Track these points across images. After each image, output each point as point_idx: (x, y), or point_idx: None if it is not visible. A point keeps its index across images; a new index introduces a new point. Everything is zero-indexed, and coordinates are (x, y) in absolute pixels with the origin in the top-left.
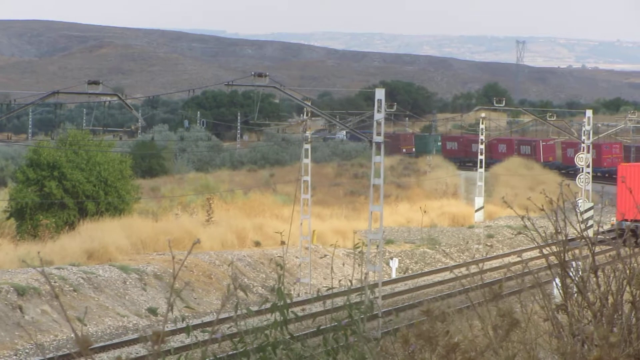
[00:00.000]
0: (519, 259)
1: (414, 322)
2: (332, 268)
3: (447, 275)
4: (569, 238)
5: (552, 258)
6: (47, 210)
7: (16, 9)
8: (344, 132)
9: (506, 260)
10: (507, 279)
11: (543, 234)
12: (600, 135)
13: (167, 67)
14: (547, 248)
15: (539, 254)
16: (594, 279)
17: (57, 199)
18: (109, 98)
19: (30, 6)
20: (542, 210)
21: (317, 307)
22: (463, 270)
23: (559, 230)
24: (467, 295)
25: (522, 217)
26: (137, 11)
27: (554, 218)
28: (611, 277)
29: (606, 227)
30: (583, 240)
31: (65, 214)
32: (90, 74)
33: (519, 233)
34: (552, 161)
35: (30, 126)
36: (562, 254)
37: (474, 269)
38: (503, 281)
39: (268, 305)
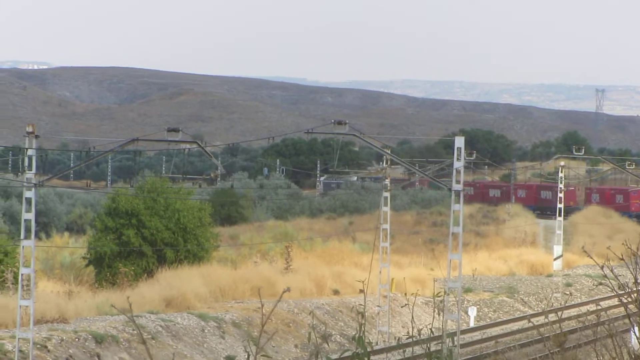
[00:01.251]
0: (596, 307)
1: None
2: (412, 316)
3: (524, 323)
4: None
5: (631, 307)
6: (126, 258)
7: (95, 56)
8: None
9: (584, 309)
10: (583, 328)
11: (622, 283)
12: None
13: (246, 115)
14: (626, 297)
15: (617, 303)
16: None
17: (135, 247)
18: (188, 145)
19: (110, 53)
20: (622, 259)
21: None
22: (541, 319)
23: (638, 280)
24: (545, 344)
25: (602, 267)
26: (217, 59)
27: (634, 267)
28: None
29: None
30: None
31: (144, 262)
32: (170, 121)
33: (600, 284)
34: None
35: (109, 173)
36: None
37: (552, 317)
38: (567, 332)
39: (349, 353)
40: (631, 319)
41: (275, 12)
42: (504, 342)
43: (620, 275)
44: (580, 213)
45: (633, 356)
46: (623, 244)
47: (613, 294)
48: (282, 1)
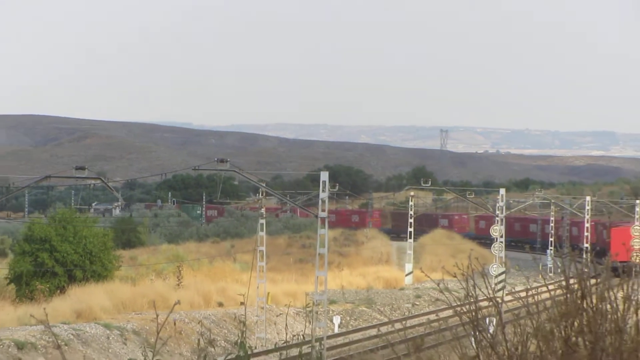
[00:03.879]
0: (436, 316)
1: None
2: (286, 324)
3: (382, 328)
4: (481, 299)
5: (464, 317)
6: (41, 277)
7: (12, 104)
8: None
9: (427, 317)
10: (427, 334)
11: (457, 296)
12: (512, 210)
13: (143, 155)
14: (461, 308)
15: (452, 314)
16: (502, 335)
17: (49, 267)
18: (93, 181)
19: (26, 102)
20: (454, 276)
21: (272, 358)
22: (389, 327)
23: (470, 294)
24: (393, 349)
25: (438, 283)
26: (118, 106)
27: (467, 283)
28: (518, 332)
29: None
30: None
31: (57, 280)
32: (77, 161)
33: (437, 299)
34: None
35: (26, 205)
36: (473, 313)
37: (398, 325)
38: (424, 336)
39: (232, 356)
40: (465, 327)
41: (164, 63)
42: (363, 345)
43: (462, 288)
44: (428, 236)
45: (469, 358)
46: (465, 259)
47: (449, 306)
48: (167, 55)
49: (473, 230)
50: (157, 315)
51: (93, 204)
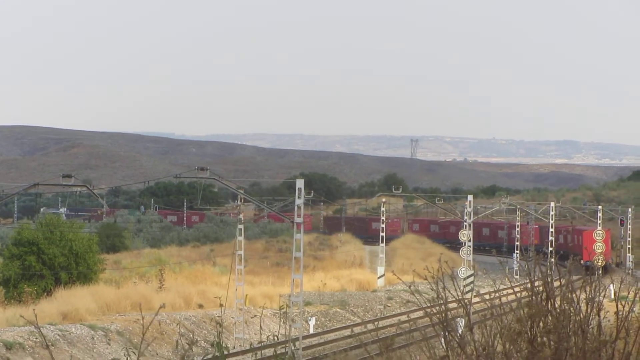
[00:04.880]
0: (407, 317)
1: None
2: (261, 325)
3: (356, 329)
4: (450, 301)
5: (434, 318)
6: (29, 279)
7: (1, 115)
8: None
9: (399, 319)
10: (398, 335)
11: (427, 298)
12: (479, 215)
13: (126, 163)
14: (431, 309)
15: (423, 315)
16: (470, 335)
17: (36, 270)
18: (79, 188)
19: (15, 113)
20: (425, 279)
21: (248, 357)
22: (362, 327)
23: (439, 296)
24: (365, 349)
25: (409, 285)
26: (103, 117)
27: (436, 286)
28: (485, 332)
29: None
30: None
31: (44, 283)
32: (64, 169)
33: (408, 301)
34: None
35: (15, 211)
36: (443, 314)
37: (370, 326)
38: (394, 336)
39: (209, 356)
40: (435, 327)
41: (147, 76)
42: (337, 345)
43: (432, 290)
44: (399, 240)
45: (438, 358)
46: (425, 268)
47: (419, 307)
48: (150, 68)
49: (403, 232)
50: (143, 318)
51: (41, 209)
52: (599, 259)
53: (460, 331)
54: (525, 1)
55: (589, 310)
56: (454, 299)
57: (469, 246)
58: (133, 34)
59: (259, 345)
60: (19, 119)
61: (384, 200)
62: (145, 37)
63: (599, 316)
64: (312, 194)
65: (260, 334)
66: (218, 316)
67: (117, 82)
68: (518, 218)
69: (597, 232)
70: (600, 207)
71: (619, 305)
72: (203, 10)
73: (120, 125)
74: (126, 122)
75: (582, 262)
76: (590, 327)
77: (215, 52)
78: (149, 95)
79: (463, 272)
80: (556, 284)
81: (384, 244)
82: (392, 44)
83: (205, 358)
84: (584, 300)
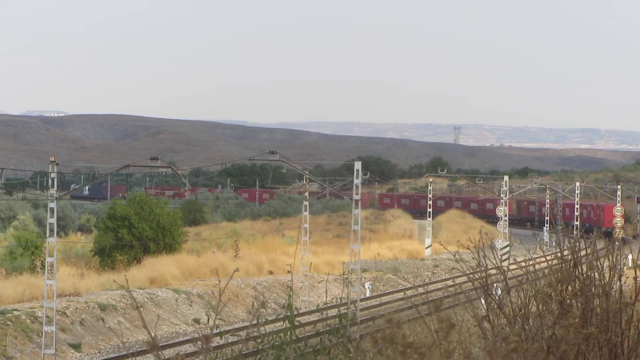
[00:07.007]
0: (452, 282)
1: (380, 329)
2: (326, 289)
3: (407, 292)
4: (490, 268)
5: (476, 283)
6: (121, 249)
7: (98, 105)
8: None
9: (445, 283)
10: (445, 297)
11: (470, 265)
12: (514, 194)
13: (206, 147)
14: (474, 275)
15: (466, 280)
16: (508, 297)
17: (127, 241)
18: (165, 169)
19: (108, 103)
20: (468, 249)
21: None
22: (413, 291)
23: (480, 263)
24: (417, 309)
25: (454, 254)
26: (185, 107)
27: (478, 255)
28: (521, 295)
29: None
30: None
31: (134, 252)
32: (152, 153)
33: (453, 268)
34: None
35: (108, 190)
36: (484, 280)
37: (421, 290)
38: (442, 299)
39: (281, 316)
40: (477, 291)
41: (224, 69)
42: (391, 307)
43: (473, 259)
44: (444, 215)
45: (480, 317)
46: (478, 234)
47: (463, 274)
48: (228, 63)
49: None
50: (219, 282)
51: (72, 186)
52: (619, 232)
53: (498, 294)
54: None
55: (611, 276)
56: (493, 266)
57: (505, 220)
58: (216, 30)
59: (324, 306)
60: (113, 109)
61: (430, 180)
62: (228, 35)
63: (620, 281)
64: (368, 174)
65: (326, 296)
66: (288, 281)
67: (199, 74)
68: (547, 196)
69: (617, 208)
70: (619, 186)
71: (637, 272)
72: (281, 12)
73: (201, 114)
74: (206, 110)
75: (603, 229)
76: (612, 290)
77: (287, 52)
78: (226, 86)
79: (500, 243)
80: (582, 253)
81: (431, 218)
82: (437, 40)
83: (277, 317)
84: (607, 267)
